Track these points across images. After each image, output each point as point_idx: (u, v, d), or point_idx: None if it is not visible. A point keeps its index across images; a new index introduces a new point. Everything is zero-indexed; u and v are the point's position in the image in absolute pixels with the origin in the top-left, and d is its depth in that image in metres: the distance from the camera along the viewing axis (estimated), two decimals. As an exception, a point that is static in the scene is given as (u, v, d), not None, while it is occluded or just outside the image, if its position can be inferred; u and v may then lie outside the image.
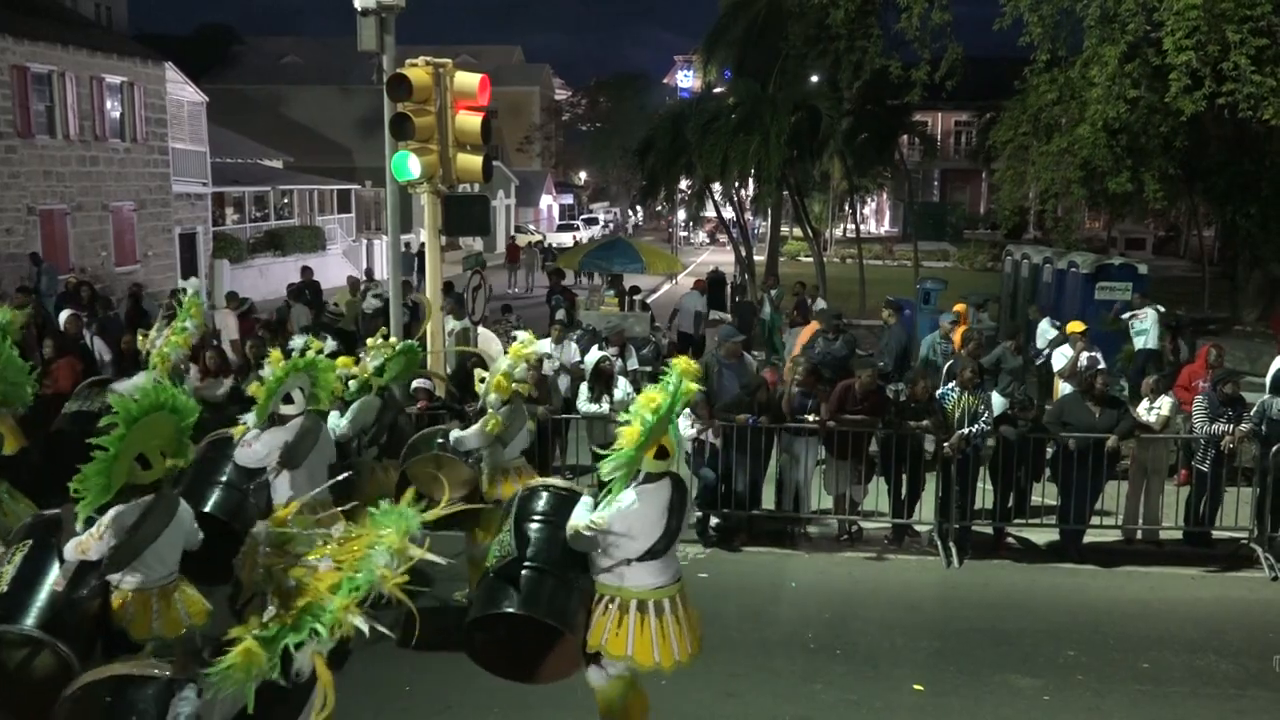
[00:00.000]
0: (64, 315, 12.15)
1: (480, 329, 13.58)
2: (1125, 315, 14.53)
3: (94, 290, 16.94)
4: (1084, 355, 11.95)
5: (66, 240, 23.43)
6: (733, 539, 10.04)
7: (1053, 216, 26.01)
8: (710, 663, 7.37)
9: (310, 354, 7.39)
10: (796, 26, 22.27)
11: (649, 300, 19.91)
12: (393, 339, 8.66)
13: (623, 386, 10.36)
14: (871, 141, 25.99)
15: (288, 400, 7.09)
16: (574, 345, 13.11)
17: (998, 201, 23.27)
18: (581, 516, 5.28)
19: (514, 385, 7.66)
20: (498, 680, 6.99)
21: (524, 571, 5.30)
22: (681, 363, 5.47)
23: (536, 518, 5.50)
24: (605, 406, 10.15)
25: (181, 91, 28.38)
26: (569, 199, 67.53)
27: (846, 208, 40.23)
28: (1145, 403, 10.15)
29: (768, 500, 10.20)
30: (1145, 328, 13.99)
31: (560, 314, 15.66)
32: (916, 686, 7.01)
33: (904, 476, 9.81)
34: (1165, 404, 10.10)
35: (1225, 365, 11.62)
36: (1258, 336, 19.26)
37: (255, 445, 7.01)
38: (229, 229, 31.38)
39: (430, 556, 3.83)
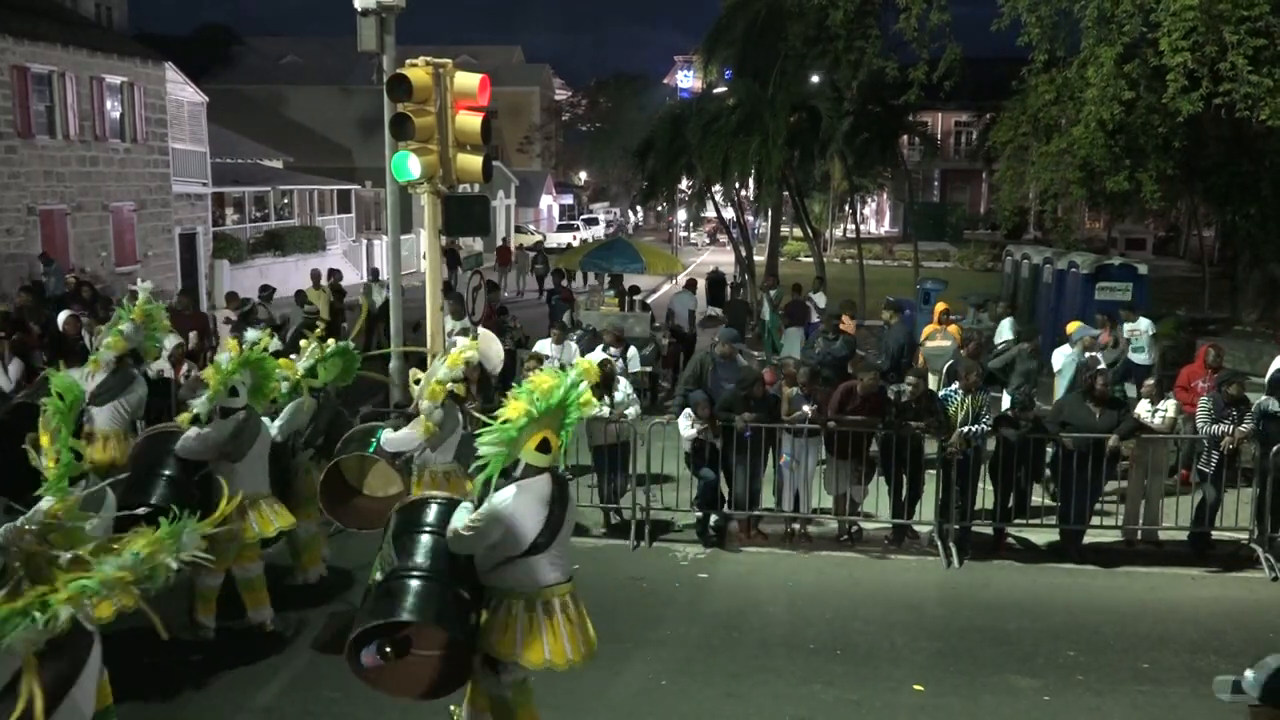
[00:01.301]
0: (63, 315, 12.16)
1: (481, 329, 13.56)
2: (1125, 331, 14.44)
3: (95, 290, 16.95)
4: (1084, 355, 11.95)
5: (66, 240, 23.42)
6: (733, 539, 10.06)
7: (1052, 217, 26.04)
8: (710, 663, 7.40)
9: (258, 349, 7.54)
10: (796, 27, 22.28)
11: (649, 300, 19.90)
12: (331, 342, 8.69)
13: (624, 387, 10.36)
14: (872, 142, 25.98)
15: (233, 394, 7.25)
16: (574, 345, 13.12)
17: (998, 202, 23.29)
18: (460, 518, 5.24)
19: (448, 390, 7.74)
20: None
21: (409, 580, 5.22)
22: (584, 363, 5.49)
23: (423, 528, 5.41)
24: (605, 409, 10.13)
25: (181, 91, 28.38)
26: (569, 199, 67.51)
27: (846, 208, 40.30)
28: (1147, 404, 10.16)
29: (768, 500, 10.20)
30: (1142, 345, 13.82)
31: (565, 317, 15.67)
32: (916, 687, 7.01)
33: (904, 477, 9.82)
34: (1170, 406, 10.11)
35: (1226, 366, 11.63)
36: (1258, 336, 19.27)
37: (198, 438, 7.14)
38: (229, 229, 31.38)
39: (201, 556, 3.92)
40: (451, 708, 5.72)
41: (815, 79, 23.45)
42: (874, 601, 8.62)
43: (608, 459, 10.25)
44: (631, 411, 10.13)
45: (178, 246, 27.64)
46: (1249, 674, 3.45)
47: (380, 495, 8.01)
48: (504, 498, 5.15)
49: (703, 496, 9.97)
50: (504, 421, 5.10)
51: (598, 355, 11.22)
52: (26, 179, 22.28)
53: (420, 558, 5.29)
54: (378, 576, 5.34)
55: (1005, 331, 14.05)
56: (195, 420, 7.21)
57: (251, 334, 7.86)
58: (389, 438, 7.70)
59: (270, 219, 33.63)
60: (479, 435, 5.17)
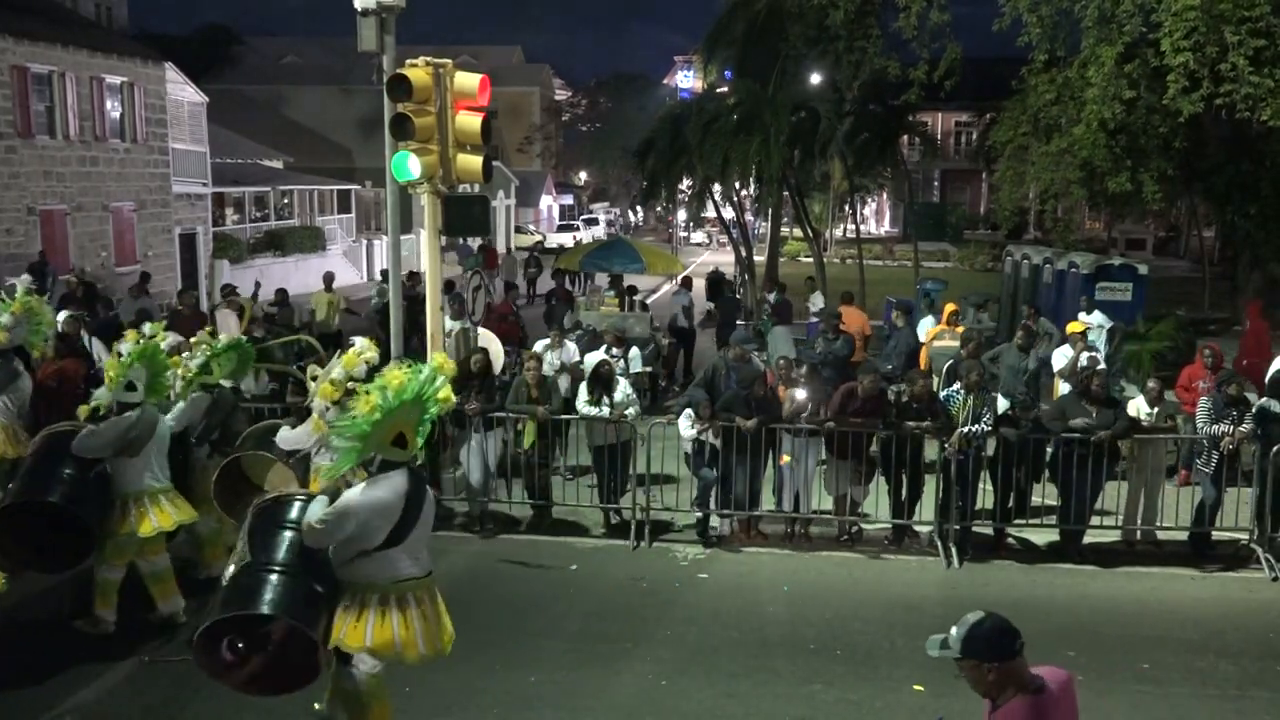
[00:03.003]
0: (62, 316, 12.15)
1: (480, 329, 13.58)
2: (1082, 317, 14.47)
3: (96, 290, 16.95)
4: (1083, 355, 11.96)
5: (66, 240, 23.43)
6: (733, 539, 10.06)
7: (1053, 217, 26.06)
8: (710, 663, 7.40)
9: (152, 344, 7.57)
10: (796, 27, 22.28)
11: (648, 301, 19.90)
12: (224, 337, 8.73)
13: (623, 388, 10.36)
14: (872, 142, 25.96)
15: (130, 389, 7.32)
16: (573, 345, 13.13)
17: (998, 202, 23.29)
18: (314, 512, 5.28)
19: (343, 389, 7.75)
20: (498, 681, 7.03)
21: (267, 575, 5.23)
22: (439, 358, 5.53)
23: (283, 525, 5.43)
24: (605, 409, 10.14)
25: (181, 92, 28.39)
26: (569, 199, 67.52)
27: (846, 208, 40.25)
28: (1145, 405, 10.15)
29: (768, 500, 10.20)
30: (1096, 339, 13.73)
31: (565, 319, 15.67)
32: (916, 687, 7.00)
33: (904, 477, 9.81)
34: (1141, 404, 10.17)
35: (1225, 366, 11.62)
36: (1258, 337, 19.25)
37: (92, 435, 7.20)
38: (229, 229, 31.39)
39: None
40: (316, 705, 5.74)
41: (816, 79, 23.45)
42: (874, 601, 8.61)
43: (607, 459, 10.26)
44: (631, 412, 10.14)
45: (178, 246, 27.66)
46: (953, 630, 3.56)
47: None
48: (356, 493, 5.20)
49: (702, 496, 9.98)
50: (353, 417, 5.15)
51: (599, 355, 11.22)
52: (26, 179, 22.29)
53: (278, 553, 5.31)
54: (231, 571, 5.35)
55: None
56: (94, 413, 7.28)
57: (147, 326, 7.93)
58: (284, 436, 7.73)
59: (270, 219, 33.64)
60: (333, 430, 5.23)
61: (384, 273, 26.43)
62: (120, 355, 7.35)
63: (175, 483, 7.73)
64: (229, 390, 8.75)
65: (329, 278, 18.04)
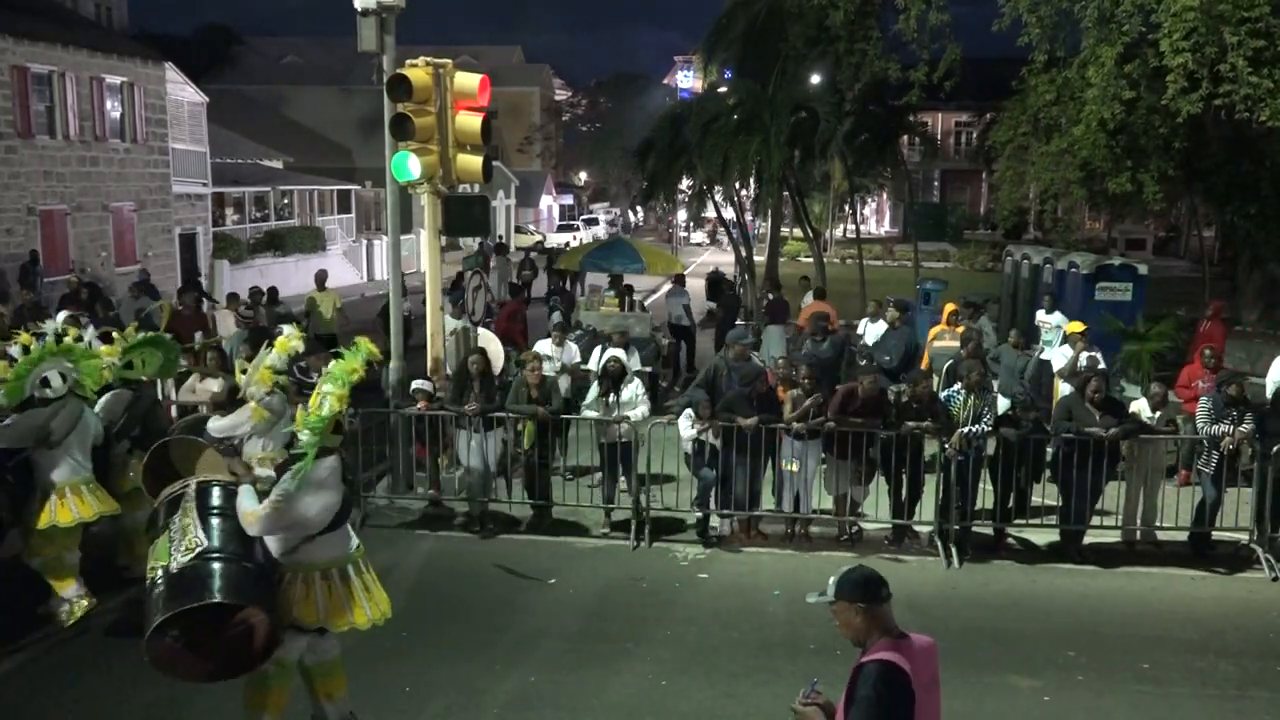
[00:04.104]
0: (62, 316, 12.15)
1: (480, 329, 13.57)
2: (1038, 320, 14.44)
3: (96, 290, 16.95)
4: (1084, 355, 11.96)
5: (66, 240, 23.44)
6: (733, 539, 10.06)
7: (1053, 217, 26.05)
8: (710, 663, 7.40)
9: (68, 340, 7.74)
10: (796, 27, 22.26)
11: (647, 302, 19.88)
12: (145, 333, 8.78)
13: (634, 387, 10.34)
14: (872, 142, 25.95)
15: (46, 384, 7.51)
16: (574, 346, 13.12)
17: (997, 202, 23.28)
18: (250, 503, 5.39)
19: (278, 378, 7.85)
20: (497, 680, 7.03)
21: (211, 563, 5.27)
22: (366, 344, 5.68)
23: (211, 512, 5.48)
24: (615, 410, 10.14)
25: (181, 92, 28.39)
26: (569, 199, 67.52)
27: (846, 208, 40.24)
28: (1147, 409, 10.15)
29: (768, 500, 10.20)
30: (1049, 338, 13.68)
31: (556, 316, 15.62)
32: (916, 687, 7.00)
33: (904, 477, 9.82)
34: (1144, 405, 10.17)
35: (1226, 366, 11.62)
36: (1258, 337, 19.26)
37: (9, 427, 7.42)
38: (229, 229, 31.38)
39: None
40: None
41: (815, 79, 23.43)
42: (874, 601, 8.60)
43: (608, 456, 10.26)
44: (638, 411, 10.13)
45: (178, 246, 27.66)
46: (831, 580, 3.85)
47: None
48: (298, 480, 5.32)
49: (702, 496, 9.97)
50: (323, 412, 5.36)
51: (613, 352, 11.14)
52: (26, 179, 22.30)
53: (216, 540, 5.34)
54: (168, 562, 5.29)
55: (986, 331, 14.11)
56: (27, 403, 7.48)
57: (50, 324, 8.02)
58: (215, 424, 7.80)
59: (270, 219, 33.64)
60: (306, 426, 5.37)
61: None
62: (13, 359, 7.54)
63: (96, 473, 7.85)
64: (151, 387, 8.84)
65: (321, 276, 17.97)
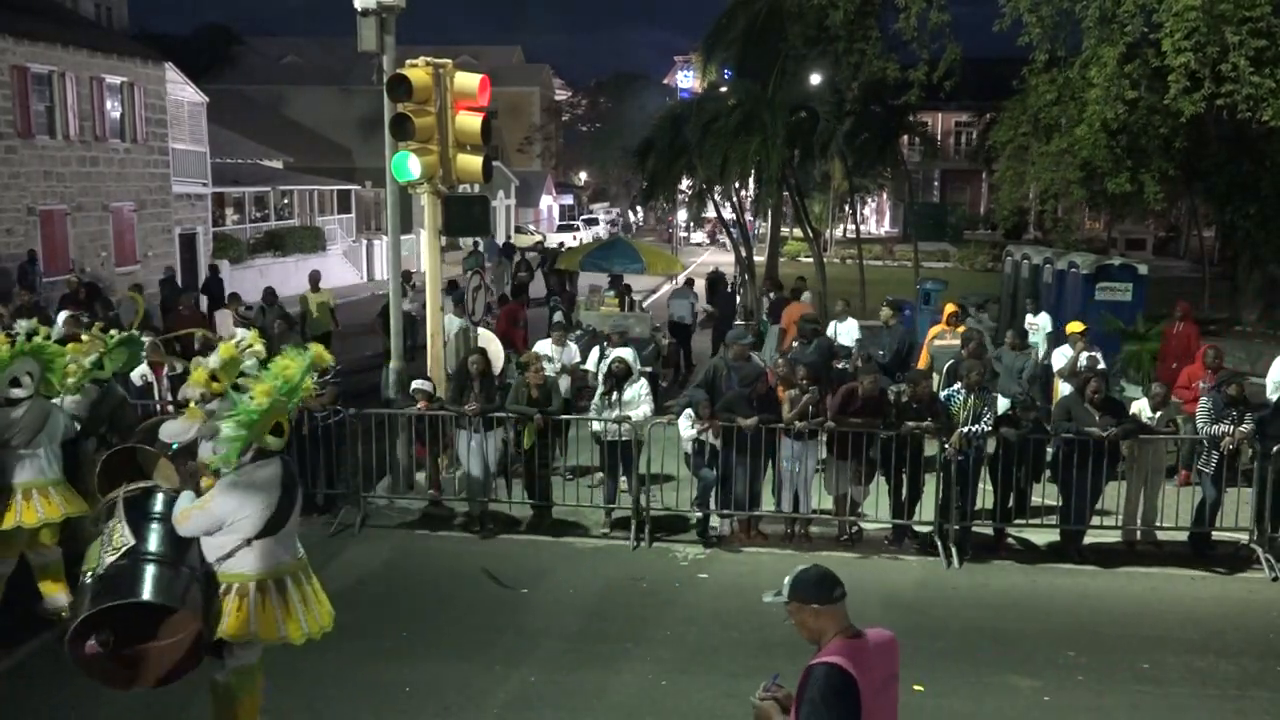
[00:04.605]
0: (62, 316, 12.16)
1: (480, 329, 13.57)
2: (1027, 324, 14.41)
3: (96, 289, 16.95)
4: (1084, 355, 11.95)
5: (66, 240, 23.44)
6: (733, 539, 10.05)
7: (1053, 217, 26.06)
8: (710, 663, 7.40)
9: (37, 339, 7.64)
10: (796, 27, 22.28)
11: (646, 302, 19.87)
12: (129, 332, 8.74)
13: (638, 387, 10.33)
14: (872, 142, 25.98)
15: (16, 384, 7.43)
16: (574, 346, 13.12)
17: (997, 202, 23.30)
18: (182, 502, 5.34)
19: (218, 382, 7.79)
20: (498, 680, 7.03)
21: (144, 565, 5.24)
22: (316, 348, 5.58)
23: (152, 516, 5.44)
24: (615, 409, 10.14)
25: (181, 92, 28.38)
26: (569, 199, 67.52)
27: (846, 208, 40.27)
28: (1148, 409, 10.15)
29: (768, 500, 10.20)
30: (1036, 340, 13.63)
31: (557, 316, 15.63)
32: (916, 687, 6.99)
33: (904, 477, 9.81)
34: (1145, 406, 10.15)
35: (1226, 366, 11.62)
36: (1258, 337, 19.28)
37: None
38: (229, 229, 31.37)
39: None
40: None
41: (815, 79, 23.44)
42: (874, 601, 8.59)
43: (607, 455, 10.26)
44: (641, 411, 10.12)
45: (178, 247, 27.64)
46: (785, 580, 3.85)
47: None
48: (232, 479, 5.24)
49: (702, 496, 9.97)
50: (245, 404, 5.19)
51: (624, 354, 11.12)
52: (26, 179, 22.30)
53: (150, 544, 5.31)
54: (96, 565, 5.27)
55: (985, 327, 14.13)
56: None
57: (21, 324, 7.98)
58: (165, 428, 7.74)
59: (270, 219, 33.63)
60: (225, 419, 5.22)
61: (405, 275, 26.18)
62: None
63: (66, 473, 7.78)
64: (117, 385, 8.81)
65: (315, 277, 17.94)
